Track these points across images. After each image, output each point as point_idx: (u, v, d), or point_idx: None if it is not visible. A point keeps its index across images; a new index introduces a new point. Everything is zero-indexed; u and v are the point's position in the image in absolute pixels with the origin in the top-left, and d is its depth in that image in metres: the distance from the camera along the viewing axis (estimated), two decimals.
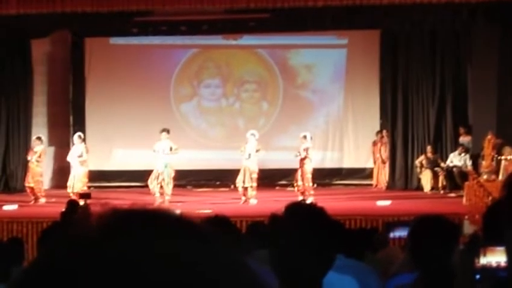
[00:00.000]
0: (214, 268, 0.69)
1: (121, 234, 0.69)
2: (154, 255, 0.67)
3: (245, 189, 14.32)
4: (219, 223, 3.74)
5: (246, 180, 14.25)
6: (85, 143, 15.31)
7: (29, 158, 15.49)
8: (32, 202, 14.96)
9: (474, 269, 3.06)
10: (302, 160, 14.40)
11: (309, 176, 14.41)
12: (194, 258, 0.68)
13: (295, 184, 14.73)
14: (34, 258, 0.71)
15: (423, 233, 2.94)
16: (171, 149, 14.38)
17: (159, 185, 14.23)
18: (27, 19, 15.14)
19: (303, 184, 14.37)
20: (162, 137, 14.47)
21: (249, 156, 14.30)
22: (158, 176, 14.26)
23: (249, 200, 14.24)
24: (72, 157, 15.02)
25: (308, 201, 12.85)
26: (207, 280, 0.68)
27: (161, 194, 14.20)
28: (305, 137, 14.56)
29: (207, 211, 11.66)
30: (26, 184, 15.43)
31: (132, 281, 0.66)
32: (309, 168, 14.44)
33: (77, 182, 14.65)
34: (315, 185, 15.03)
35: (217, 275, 0.69)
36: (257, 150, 14.34)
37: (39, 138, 15.65)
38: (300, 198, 13.76)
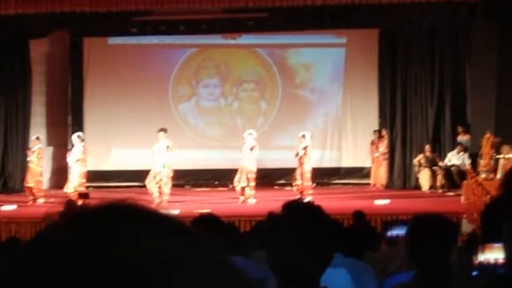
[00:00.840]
0: (185, 265, 0.70)
1: (82, 232, 0.70)
2: (113, 251, 0.68)
3: (243, 188, 14.31)
4: (208, 223, 3.74)
5: (242, 180, 14.23)
6: (83, 143, 15.25)
7: (28, 158, 15.49)
8: (31, 202, 14.96)
9: (472, 266, 3.07)
10: (301, 159, 14.39)
11: (308, 175, 14.40)
12: (163, 255, 0.69)
13: (294, 183, 14.73)
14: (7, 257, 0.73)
15: (421, 232, 2.94)
16: (167, 147, 14.34)
17: (157, 185, 14.20)
18: (25, 19, 15.14)
19: (302, 183, 14.37)
20: (160, 136, 14.43)
21: (243, 156, 14.29)
22: (155, 176, 14.22)
23: (247, 200, 14.23)
24: (71, 158, 15.00)
25: (306, 200, 12.89)
26: (175, 277, 0.68)
27: (160, 194, 14.18)
28: (304, 136, 14.55)
29: (205, 211, 11.65)
30: (25, 184, 15.43)
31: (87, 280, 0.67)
32: (308, 167, 14.43)
33: (74, 182, 14.63)
34: (314, 184, 15.02)
35: (186, 271, 0.69)
36: (251, 148, 14.28)
37: (37, 138, 15.66)
38: (298, 197, 13.75)
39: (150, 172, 14.40)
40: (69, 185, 14.75)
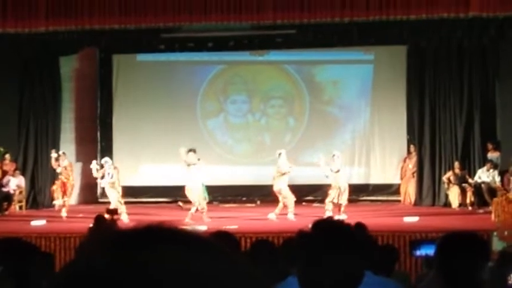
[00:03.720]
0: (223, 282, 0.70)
1: (131, 257, 0.71)
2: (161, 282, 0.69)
3: (285, 206, 14.24)
4: (223, 239, 3.73)
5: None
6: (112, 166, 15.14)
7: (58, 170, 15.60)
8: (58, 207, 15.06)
9: (506, 286, 3.02)
10: (336, 177, 14.39)
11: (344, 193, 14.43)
12: (204, 272, 0.70)
13: (329, 200, 14.59)
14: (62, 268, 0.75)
15: (452, 250, 2.89)
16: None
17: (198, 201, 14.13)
18: (56, 36, 15.31)
19: (338, 201, 14.37)
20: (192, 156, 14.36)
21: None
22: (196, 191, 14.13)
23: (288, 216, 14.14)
24: (104, 182, 14.96)
25: (341, 218, 12.84)
26: None
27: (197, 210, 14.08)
28: (334, 156, 14.52)
29: (233, 227, 11.66)
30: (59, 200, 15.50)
31: None
32: (345, 184, 14.43)
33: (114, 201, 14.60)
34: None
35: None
36: (283, 174, 14.26)
37: (64, 153, 15.80)
38: (330, 214, 13.74)
39: (192, 189, 14.20)
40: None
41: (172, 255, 0.71)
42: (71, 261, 0.77)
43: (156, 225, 0.76)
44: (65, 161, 15.63)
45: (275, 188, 14.25)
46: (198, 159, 14.17)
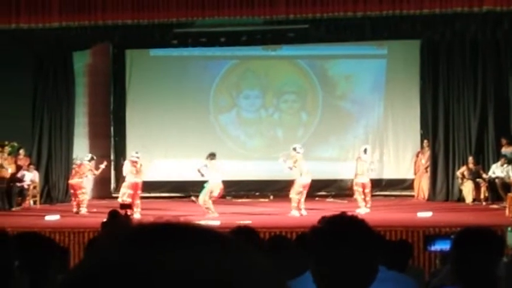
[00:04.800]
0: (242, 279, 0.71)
1: (146, 248, 0.72)
2: (175, 271, 0.70)
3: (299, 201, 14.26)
4: (244, 235, 3.73)
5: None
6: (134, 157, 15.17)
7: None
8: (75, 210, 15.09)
9: None
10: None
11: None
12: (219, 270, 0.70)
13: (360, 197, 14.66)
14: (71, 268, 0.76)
15: (468, 245, 2.88)
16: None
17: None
18: (69, 31, 15.36)
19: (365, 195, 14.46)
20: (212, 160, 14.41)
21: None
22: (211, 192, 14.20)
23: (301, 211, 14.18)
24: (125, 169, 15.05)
25: (361, 212, 12.86)
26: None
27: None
28: (365, 151, 14.59)
29: (246, 222, 11.66)
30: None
31: None
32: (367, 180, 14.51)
33: (122, 192, 14.70)
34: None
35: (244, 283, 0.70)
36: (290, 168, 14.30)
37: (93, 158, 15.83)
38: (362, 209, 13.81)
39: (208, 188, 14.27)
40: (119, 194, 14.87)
41: (187, 252, 0.71)
42: (86, 256, 0.77)
43: (171, 221, 0.76)
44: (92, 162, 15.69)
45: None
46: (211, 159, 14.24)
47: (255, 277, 0.72)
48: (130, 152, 16.42)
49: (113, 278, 0.70)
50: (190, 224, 0.76)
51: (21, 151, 17.06)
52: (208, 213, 13.81)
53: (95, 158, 15.82)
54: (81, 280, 0.72)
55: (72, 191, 15.60)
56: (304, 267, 2.28)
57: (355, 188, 14.66)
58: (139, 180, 14.77)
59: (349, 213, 2.36)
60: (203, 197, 14.09)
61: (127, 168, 14.87)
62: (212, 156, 14.33)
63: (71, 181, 15.51)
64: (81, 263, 0.75)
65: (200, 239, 0.74)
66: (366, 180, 14.56)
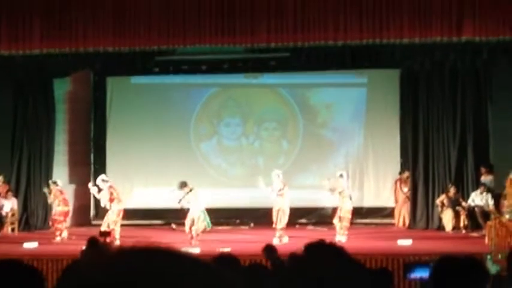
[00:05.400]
0: None
1: (125, 277, 0.71)
2: None
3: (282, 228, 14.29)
4: (226, 262, 3.72)
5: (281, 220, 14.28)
6: (109, 184, 15.13)
7: (49, 200, 15.52)
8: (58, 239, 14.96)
9: None
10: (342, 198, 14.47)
11: (347, 215, 14.44)
12: None
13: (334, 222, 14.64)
14: None
15: (447, 273, 2.86)
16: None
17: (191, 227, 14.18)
18: (50, 58, 15.34)
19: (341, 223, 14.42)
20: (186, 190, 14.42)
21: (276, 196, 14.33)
22: (193, 220, 14.18)
23: (282, 239, 14.15)
24: (102, 201, 14.92)
25: (339, 240, 12.84)
26: None
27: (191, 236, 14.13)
28: (341, 175, 14.58)
29: (226, 249, 11.61)
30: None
31: None
32: (348, 206, 14.44)
33: (107, 220, 14.59)
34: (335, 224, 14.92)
35: None
36: (281, 193, 14.34)
37: (55, 183, 15.67)
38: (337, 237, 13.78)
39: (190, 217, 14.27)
40: (103, 223, 14.73)
41: (167, 276, 0.71)
42: (65, 278, 0.77)
43: (151, 246, 0.76)
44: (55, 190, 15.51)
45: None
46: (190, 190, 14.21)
47: None
48: (111, 180, 16.28)
49: None
50: (169, 249, 0.76)
51: (0, 178, 16.92)
52: (192, 240, 13.78)
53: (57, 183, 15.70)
54: None
55: (62, 217, 15.41)
56: None
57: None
58: (122, 207, 14.77)
59: (328, 241, 2.36)
60: (202, 224, 14.06)
61: (105, 196, 14.71)
62: (184, 185, 14.30)
63: (63, 208, 15.37)
64: (59, 284, 0.75)
65: (177, 263, 0.73)
66: (339, 205, 14.56)
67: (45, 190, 15.58)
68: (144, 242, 0.78)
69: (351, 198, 14.59)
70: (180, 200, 14.22)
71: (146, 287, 0.69)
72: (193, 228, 14.04)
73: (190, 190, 14.24)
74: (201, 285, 0.71)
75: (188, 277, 0.71)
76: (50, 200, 15.59)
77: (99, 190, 14.82)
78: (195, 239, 13.92)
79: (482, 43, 14.00)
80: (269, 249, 8.83)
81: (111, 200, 14.65)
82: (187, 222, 14.17)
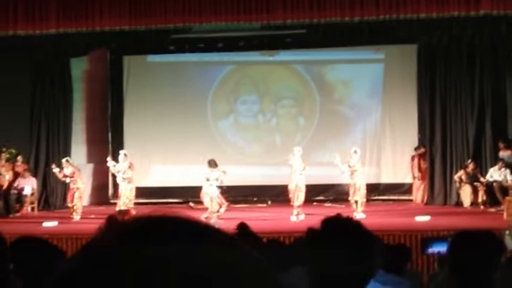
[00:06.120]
0: (231, 277, 0.71)
1: (136, 241, 0.72)
2: (165, 265, 0.69)
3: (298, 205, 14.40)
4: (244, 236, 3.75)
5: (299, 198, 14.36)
6: (129, 161, 15.28)
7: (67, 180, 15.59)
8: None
9: None
10: (355, 174, 14.51)
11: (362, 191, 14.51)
12: (208, 266, 0.70)
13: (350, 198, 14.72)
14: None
15: (465, 247, 2.86)
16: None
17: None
18: (66, 38, 15.37)
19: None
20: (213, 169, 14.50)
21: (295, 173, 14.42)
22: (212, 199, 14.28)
23: (299, 216, 14.24)
24: (118, 175, 15.07)
25: (357, 216, 12.86)
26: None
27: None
28: (355, 152, 14.64)
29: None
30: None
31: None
32: (363, 182, 14.50)
33: (123, 198, 14.74)
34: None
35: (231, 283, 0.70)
36: (304, 168, 14.43)
37: (67, 161, 15.75)
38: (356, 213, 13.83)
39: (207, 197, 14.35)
40: (119, 202, 14.84)
41: (184, 246, 0.71)
42: (82, 248, 0.78)
43: (166, 215, 0.76)
44: (69, 168, 15.55)
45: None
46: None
47: (245, 271, 0.72)
48: (128, 158, 16.37)
49: (101, 269, 0.70)
50: (185, 218, 0.76)
51: (19, 158, 17.04)
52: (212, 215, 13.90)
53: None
54: (72, 273, 0.72)
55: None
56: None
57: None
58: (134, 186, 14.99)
59: (345, 216, 2.37)
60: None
61: (123, 169, 14.87)
62: (215, 164, 14.42)
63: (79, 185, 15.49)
64: (73, 257, 0.76)
65: (194, 233, 0.74)
66: (351, 181, 14.61)
67: (55, 169, 15.59)
68: (160, 209, 0.79)
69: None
70: (222, 182, 14.29)
71: (161, 251, 0.69)
72: (221, 205, 14.16)
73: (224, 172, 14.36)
74: (218, 254, 0.72)
75: (205, 244, 0.72)
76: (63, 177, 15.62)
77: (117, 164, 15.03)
78: (217, 215, 14.02)
79: (500, 17, 13.87)
80: (242, 226, 8.97)
81: (129, 180, 14.77)
82: (207, 199, 14.24)
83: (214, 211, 14.09)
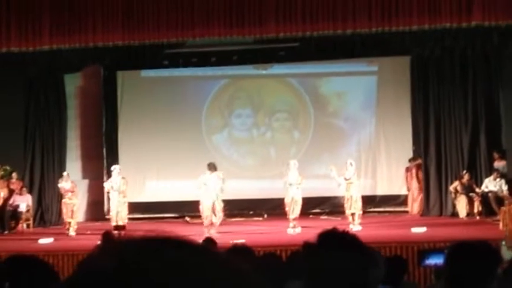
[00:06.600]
0: None
1: (133, 264, 0.72)
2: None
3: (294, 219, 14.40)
4: (242, 253, 3.74)
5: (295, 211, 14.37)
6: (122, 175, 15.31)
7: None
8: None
9: None
10: (351, 187, 14.54)
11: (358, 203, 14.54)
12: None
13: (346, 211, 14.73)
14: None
15: (462, 258, 2.86)
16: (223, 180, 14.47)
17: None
18: (60, 54, 15.38)
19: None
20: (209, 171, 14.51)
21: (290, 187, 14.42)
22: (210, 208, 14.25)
23: (295, 229, 14.25)
24: (113, 190, 15.06)
25: (354, 229, 12.86)
26: None
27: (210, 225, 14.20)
28: (351, 164, 14.66)
29: (240, 241, 11.63)
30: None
31: None
32: (358, 194, 14.53)
33: (118, 212, 14.71)
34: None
35: None
36: (300, 182, 14.44)
37: (68, 174, 15.81)
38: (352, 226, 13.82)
39: (204, 205, 14.32)
40: (113, 217, 14.82)
41: (178, 264, 0.71)
42: (78, 266, 0.78)
43: (162, 235, 0.76)
44: (68, 182, 15.59)
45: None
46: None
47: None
48: (124, 173, 16.33)
49: (105, 285, 0.70)
50: (179, 238, 0.77)
51: (14, 175, 16.99)
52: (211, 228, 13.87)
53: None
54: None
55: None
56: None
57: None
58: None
59: (341, 229, 2.36)
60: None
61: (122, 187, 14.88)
62: (215, 167, 14.43)
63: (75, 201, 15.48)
64: (71, 275, 0.76)
65: (189, 252, 0.74)
66: (347, 194, 14.64)
67: (61, 184, 15.62)
68: (155, 232, 0.79)
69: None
70: (222, 189, 14.26)
71: (157, 273, 0.69)
72: (216, 215, 14.12)
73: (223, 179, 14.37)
74: (212, 274, 0.72)
75: (199, 265, 0.72)
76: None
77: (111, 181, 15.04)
78: (216, 227, 13.98)
79: (491, 27, 13.93)
80: (208, 241, 9.00)
81: (124, 194, 14.77)
82: (207, 210, 14.19)
83: (208, 223, 14.04)
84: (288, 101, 18.68)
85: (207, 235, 9.39)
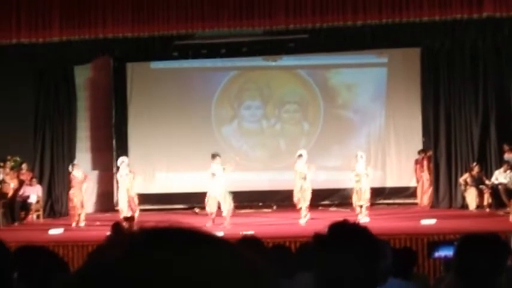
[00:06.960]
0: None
1: (143, 254, 0.73)
2: (173, 278, 0.69)
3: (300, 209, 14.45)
4: (252, 244, 3.75)
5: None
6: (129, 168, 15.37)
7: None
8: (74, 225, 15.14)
9: None
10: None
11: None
12: (209, 277, 0.70)
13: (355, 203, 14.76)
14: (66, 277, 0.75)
15: (471, 251, 2.85)
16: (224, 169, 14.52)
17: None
18: (69, 46, 15.40)
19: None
20: (216, 161, 14.56)
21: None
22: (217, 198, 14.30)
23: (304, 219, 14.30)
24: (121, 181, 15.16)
25: (362, 221, 12.87)
26: None
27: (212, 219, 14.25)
28: (361, 156, 14.69)
29: (249, 232, 11.64)
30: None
31: None
32: (367, 186, 14.52)
33: (133, 206, 14.81)
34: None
35: None
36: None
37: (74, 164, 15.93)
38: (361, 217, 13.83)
39: (211, 196, 14.37)
40: (123, 209, 14.89)
41: (189, 255, 0.71)
42: (87, 260, 0.78)
43: (172, 225, 0.76)
44: (79, 171, 15.68)
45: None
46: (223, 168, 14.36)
47: (253, 279, 0.72)
48: (133, 165, 16.37)
49: (109, 278, 0.70)
50: (190, 228, 0.77)
51: (24, 166, 17.05)
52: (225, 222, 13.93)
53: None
54: (79, 281, 0.72)
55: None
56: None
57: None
58: None
59: (352, 221, 2.36)
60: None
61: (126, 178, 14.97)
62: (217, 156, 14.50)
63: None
64: (81, 266, 0.76)
65: (199, 241, 0.74)
66: (357, 186, 14.66)
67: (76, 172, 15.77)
68: (165, 221, 0.79)
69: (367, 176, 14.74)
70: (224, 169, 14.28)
71: (167, 265, 0.69)
72: (224, 209, 14.15)
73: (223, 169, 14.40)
74: (225, 265, 0.72)
75: (211, 256, 0.72)
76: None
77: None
78: (229, 221, 14.03)
79: (503, 19, 13.85)
80: (116, 226, 9.10)
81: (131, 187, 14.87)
82: (213, 203, 14.23)
83: (213, 211, 14.12)
84: (298, 92, 18.66)
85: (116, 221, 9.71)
